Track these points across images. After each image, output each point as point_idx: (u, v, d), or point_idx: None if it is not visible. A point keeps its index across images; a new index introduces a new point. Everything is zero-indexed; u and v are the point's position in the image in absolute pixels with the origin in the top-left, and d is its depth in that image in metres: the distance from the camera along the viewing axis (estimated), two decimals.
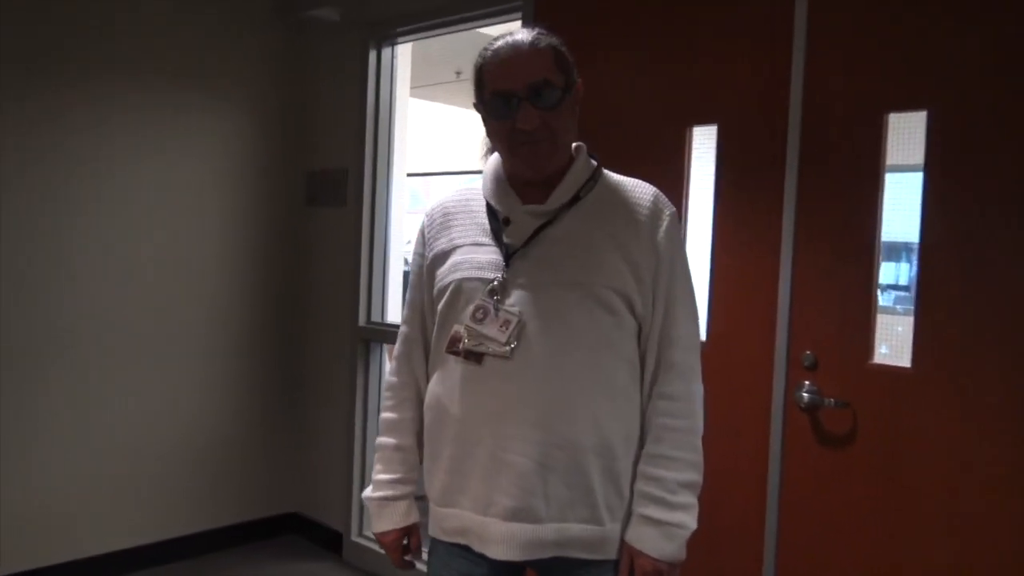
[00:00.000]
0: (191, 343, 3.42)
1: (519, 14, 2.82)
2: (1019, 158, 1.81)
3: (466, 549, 1.43)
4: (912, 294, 1.99)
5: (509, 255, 1.40)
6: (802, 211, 2.11)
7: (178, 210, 3.35)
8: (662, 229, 1.42)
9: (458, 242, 1.46)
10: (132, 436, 3.26)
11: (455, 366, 1.41)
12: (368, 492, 1.56)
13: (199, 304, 3.44)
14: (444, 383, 1.44)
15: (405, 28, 3.32)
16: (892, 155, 2.01)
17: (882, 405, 1.98)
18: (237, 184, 3.53)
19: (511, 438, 1.35)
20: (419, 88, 5.56)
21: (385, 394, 1.58)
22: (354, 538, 3.50)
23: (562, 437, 1.35)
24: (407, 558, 1.56)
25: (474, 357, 1.38)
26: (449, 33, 3.26)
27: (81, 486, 3.13)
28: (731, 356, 2.23)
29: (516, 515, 1.35)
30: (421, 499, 1.52)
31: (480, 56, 1.41)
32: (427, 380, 1.51)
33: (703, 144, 2.36)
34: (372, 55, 3.43)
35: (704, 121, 2.32)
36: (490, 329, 1.37)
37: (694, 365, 1.45)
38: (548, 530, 1.36)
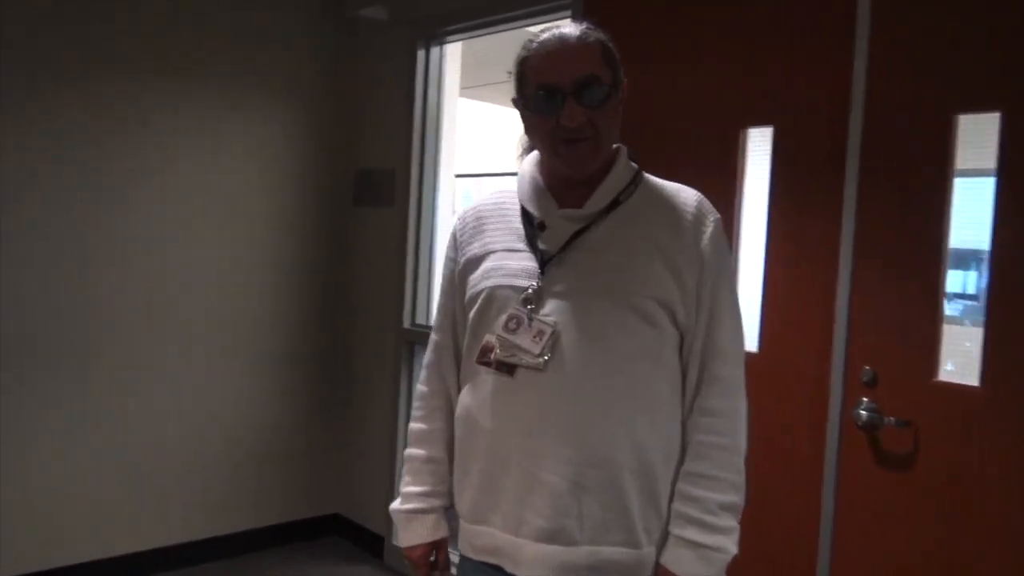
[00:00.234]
0: (238, 344, 3.44)
1: (568, 12, 2.76)
2: None
3: (497, 569, 1.37)
4: (981, 305, 1.87)
5: (544, 262, 1.33)
6: (862, 217, 2.00)
7: (226, 209, 3.37)
8: (707, 235, 1.34)
9: (491, 247, 1.40)
10: (177, 435, 3.29)
11: (486, 377, 1.35)
12: (396, 504, 1.51)
13: (246, 305, 3.45)
14: (475, 395, 1.38)
15: (452, 27, 3.29)
16: (961, 159, 1.89)
17: (947, 426, 1.87)
18: (284, 184, 3.53)
19: (544, 455, 1.29)
20: (471, 89, 5.53)
21: (415, 404, 1.53)
22: (395, 542, 3.47)
23: (597, 455, 1.28)
24: (435, 574, 1.50)
25: (506, 368, 1.32)
26: (496, 32, 3.21)
27: (124, 483, 3.16)
28: (784, 371, 2.13)
29: (549, 536, 1.29)
30: (450, 509, 1.47)
31: (524, 48, 1.34)
32: (458, 389, 1.46)
33: (758, 147, 2.27)
34: (420, 54, 3.40)
35: (759, 122, 2.22)
36: (523, 340, 1.30)
37: (739, 379, 1.37)
38: (582, 553, 1.29)
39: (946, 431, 1.87)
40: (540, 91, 1.29)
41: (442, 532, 1.49)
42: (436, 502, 1.48)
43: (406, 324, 3.44)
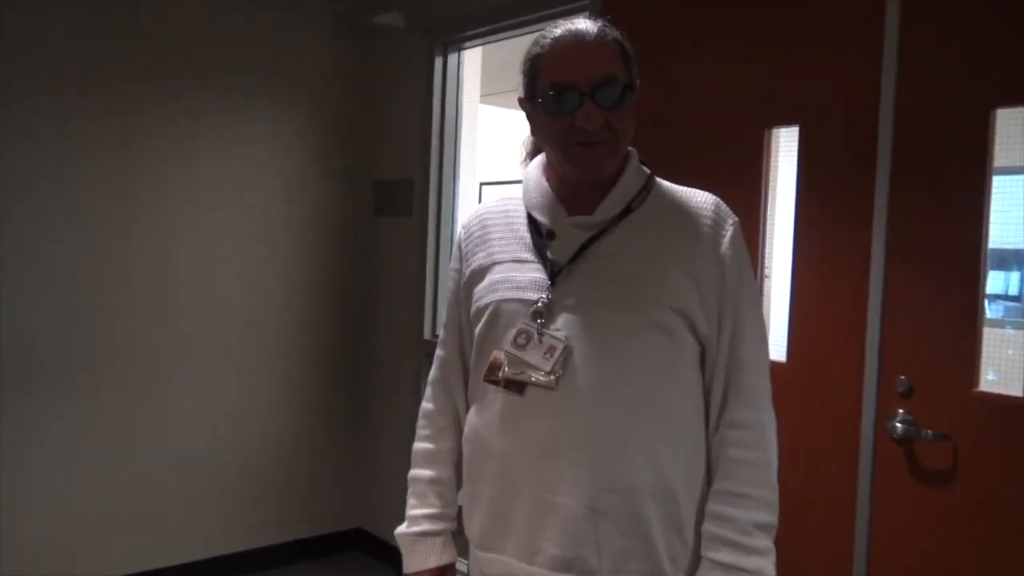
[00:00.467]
0: (256, 357, 3.41)
1: (585, 14, 2.69)
2: None
3: None
4: None
5: (554, 273, 1.26)
6: (895, 217, 1.91)
7: (244, 220, 3.35)
8: (726, 239, 1.27)
9: (497, 258, 1.33)
10: (197, 448, 3.27)
11: (495, 396, 1.28)
12: (402, 528, 1.45)
13: (266, 317, 3.43)
14: (483, 415, 1.31)
15: (469, 32, 3.24)
16: (999, 156, 1.80)
17: (988, 439, 1.77)
18: (302, 194, 3.50)
19: (557, 479, 1.22)
20: (492, 95, 5.49)
21: (420, 422, 1.46)
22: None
23: (615, 479, 1.21)
24: None
25: (515, 387, 1.25)
26: (514, 36, 3.15)
27: (144, 497, 3.14)
28: (814, 381, 2.04)
29: (565, 565, 1.22)
30: (459, 535, 1.41)
31: (536, 44, 1.26)
32: (466, 407, 1.40)
33: (784, 148, 2.18)
34: (438, 61, 3.36)
35: (785, 122, 2.14)
36: (533, 356, 1.23)
37: (766, 390, 1.29)
38: None
39: (987, 445, 1.77)
40: (554, 91, 1.22)
41: (449, 556, 1.42)
42: (443, 525, 1.42)
43: (426, 335, 3.39)
